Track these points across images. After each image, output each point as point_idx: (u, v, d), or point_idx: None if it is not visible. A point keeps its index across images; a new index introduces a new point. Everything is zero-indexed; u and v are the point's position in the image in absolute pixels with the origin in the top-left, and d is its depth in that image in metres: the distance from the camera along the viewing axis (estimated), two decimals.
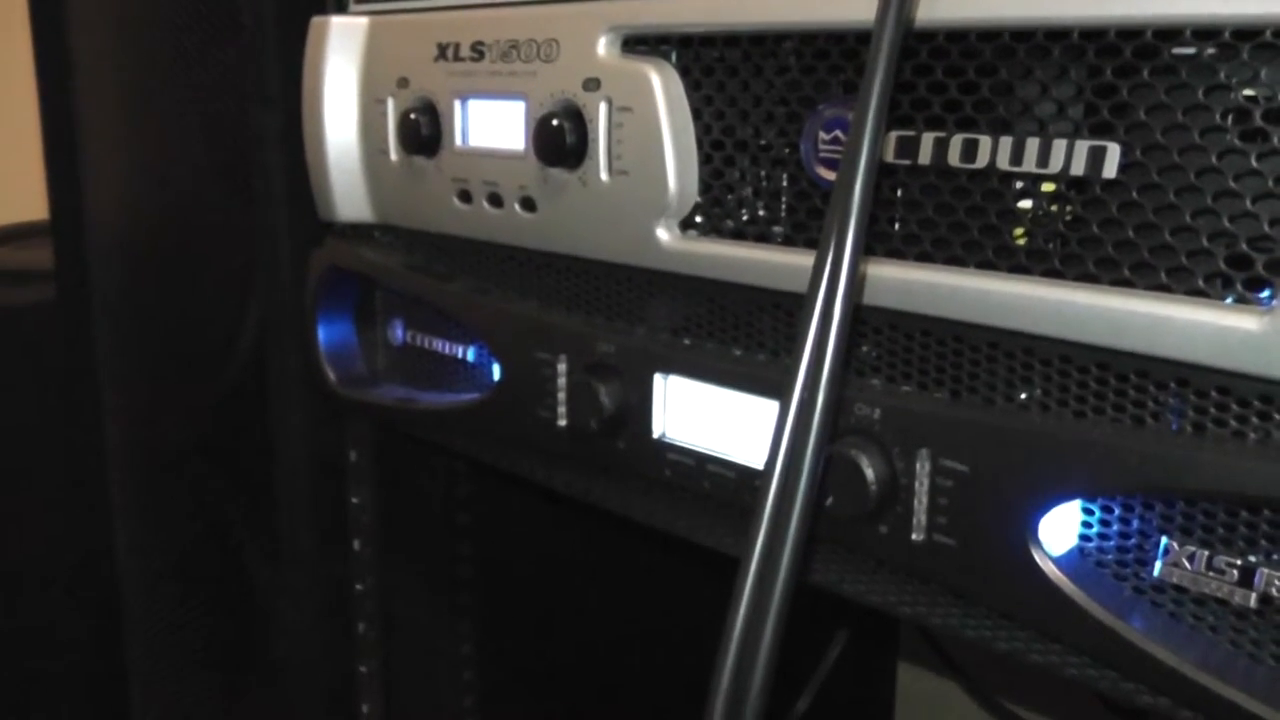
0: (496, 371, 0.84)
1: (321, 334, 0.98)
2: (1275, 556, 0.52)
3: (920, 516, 0.61)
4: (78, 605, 1.32)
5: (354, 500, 1.13)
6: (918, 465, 0.60)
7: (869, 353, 0.64)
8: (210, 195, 1.13)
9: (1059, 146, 0.54)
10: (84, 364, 1.26)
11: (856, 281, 0.54)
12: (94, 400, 1.27)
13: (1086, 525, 0.57)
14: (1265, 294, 0.50)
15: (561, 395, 0.78)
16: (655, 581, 1.29)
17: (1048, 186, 0.57)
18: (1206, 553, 0.53)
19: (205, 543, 1.22)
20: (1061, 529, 0.57)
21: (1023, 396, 0.58)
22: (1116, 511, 0.56)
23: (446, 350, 0.93)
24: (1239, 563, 0.53)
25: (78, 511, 1.29)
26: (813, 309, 0.54)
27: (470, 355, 0.91)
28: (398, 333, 0.97)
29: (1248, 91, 0.50)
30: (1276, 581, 0.52)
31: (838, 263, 0.54)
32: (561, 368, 0.78)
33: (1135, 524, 0.56)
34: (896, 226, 0.62)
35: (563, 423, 0.78)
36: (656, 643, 1.31)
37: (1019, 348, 0.58)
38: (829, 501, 0.63)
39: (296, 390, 1.09)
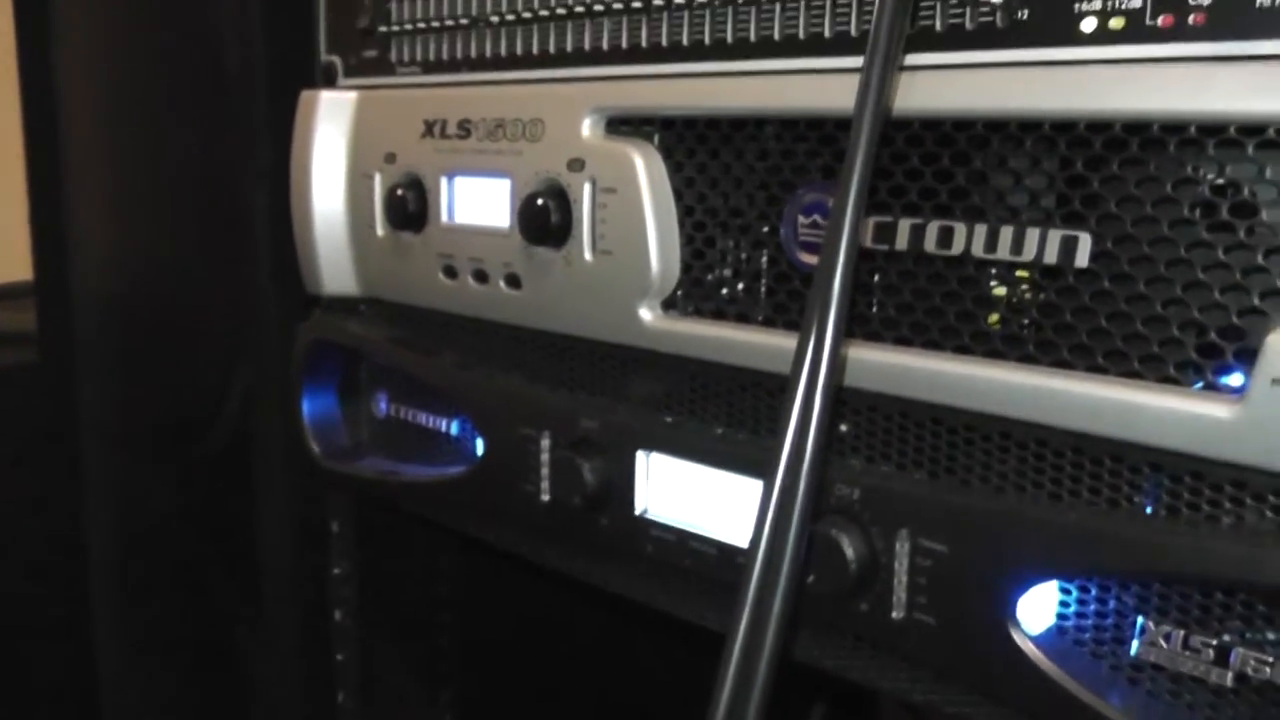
0: (480, 446, 0.85)
1: (306, 405, 0.99)
2: (1250, 636, 0.53)
3: (900, 595, 0.62)
4: (54, 675, 1.31)
5: (335, 571, 1.13)
6: (897, 545, 0.61)
7: (849, 433, 0.65)
8: (197, 263, 1.13)
9: (1032, 235, 0.55)
10: (65, 428, 1.26)
11: (838, 366, 0.55)
12: (75, 465, 1.27)
13: (1064, 604, 0.58)
14: (1236, 380, 0.51)
15: (545, 471, 0.79)
16: (636, 654, 1.29)
17: (1022, 273, 0.58)
18: (1183, 632, 0.54)
19: (186, 611, 1.22)
20: (1040, 608, 0.58)
21: (999, 479, 0.59)
22: (1093, 591, 0.57)
23: (430, 423, 0.93)
24: (1215, 642, 0.53)
25: (56, 577, 1.28)
26: (795, 392, 0.55)
27: (454, 429, 0.91)
28: (382, 405, 0.98)
29: (1213, 178, 0.51)
30: (1252, 661, 0.52)
31: (819, 349, 0.54)
32: (545, 443, 0.78)
33: (1112, 603, 0.57)
34: (875, 310, 0.63)
35: (546, 498, 0.79)
36: (637, 717, 1.30)
37: (995, 430, 0.59)
38: (810, 579, 0.63)
39: (280, 460, 1.09)
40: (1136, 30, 0.51)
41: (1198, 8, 0.50)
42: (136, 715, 1.26)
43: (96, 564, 1.28)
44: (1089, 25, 0.53)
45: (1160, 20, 0.51)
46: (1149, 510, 0.54)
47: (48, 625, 1.31)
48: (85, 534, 1.28)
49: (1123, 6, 0.52)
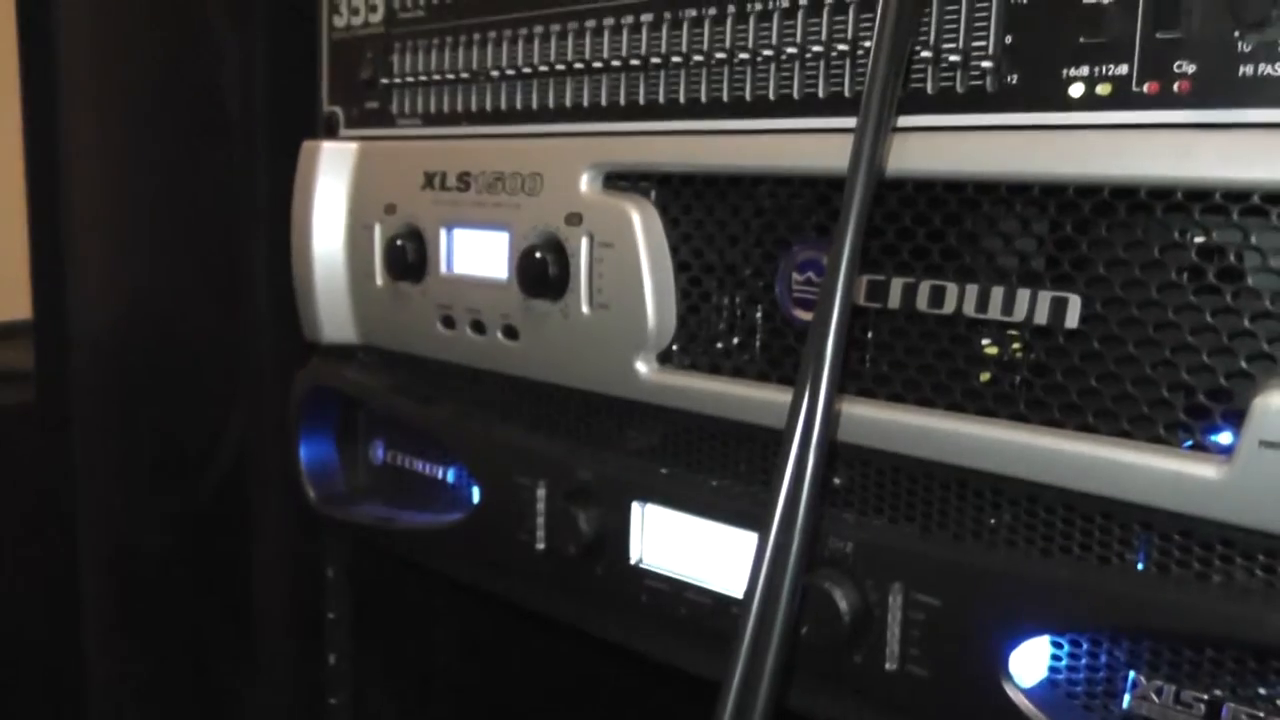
0: (476, 494, 0.86)
1: (303, 451, 0.99)
2: (1241, 691, 0.53)
3: (893, 647, 0.62)
4: (46, 715, 1.31)
5: (330, 615, 1.13)
6: (890, 598, 0.62)
7: (842, 486, 0.66)
8: (196, 307, 1.14)
9: (1023, 296, 0.57)
10: (61, 468, 1.26)
11: (832, 422, 0.56)
12: (70, 505, 1.27)
13: (1056, 658, 0.59)
14: (1225, 438, 0.51)
15: (540, 520, 0.79)
16: (633, 701, 1.29)
17: (1013, 333, 0.59)
18: (1174, 687, 0.55)
19: (179, 653, 1.22)
20: (1032, 661, 0.59)
21: (991, 534, 0.60)
22: (1085, 645, 0.58)
23: (427, 471, 0.94)
24: (1206, 697, 0.54)
25: (49, 617, 1.28)
26: (790, 447, 0.56)
27: (450, 476, 0.92)
28: (378, 452, 0.99)
29: (1200, 242, 0.52)
30: (1244, 716, 0.53)
31: (813, 406, 0.55)
32: (541, 493, 0.79)
33: (1104, 658, 0.57)
34: (868, 366, 0.64)
35: (541, 546, 0.80)
36: None
37: (987, 487, 0.59)
38: (804, 630, 0.64)
39: (276, 503, 1.10)
40: (1123, 97, 0.53)
41: (1182, 75, 0.51)
42: None
43: (90, 604, 1.28)
44: (1077, 91, 0.54)
45: (1146, 87, 0.52)
46: (1140, 567, 0.55)
47: (40, 665, 1.31)
48: (80, 573, 1.28)
49: (1110, 73, 0.53)
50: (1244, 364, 0.50)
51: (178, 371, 1.17)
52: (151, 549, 1.22)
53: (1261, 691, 0.53)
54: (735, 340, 0.71)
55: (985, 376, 0.60)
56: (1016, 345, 0.59)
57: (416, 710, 1.19)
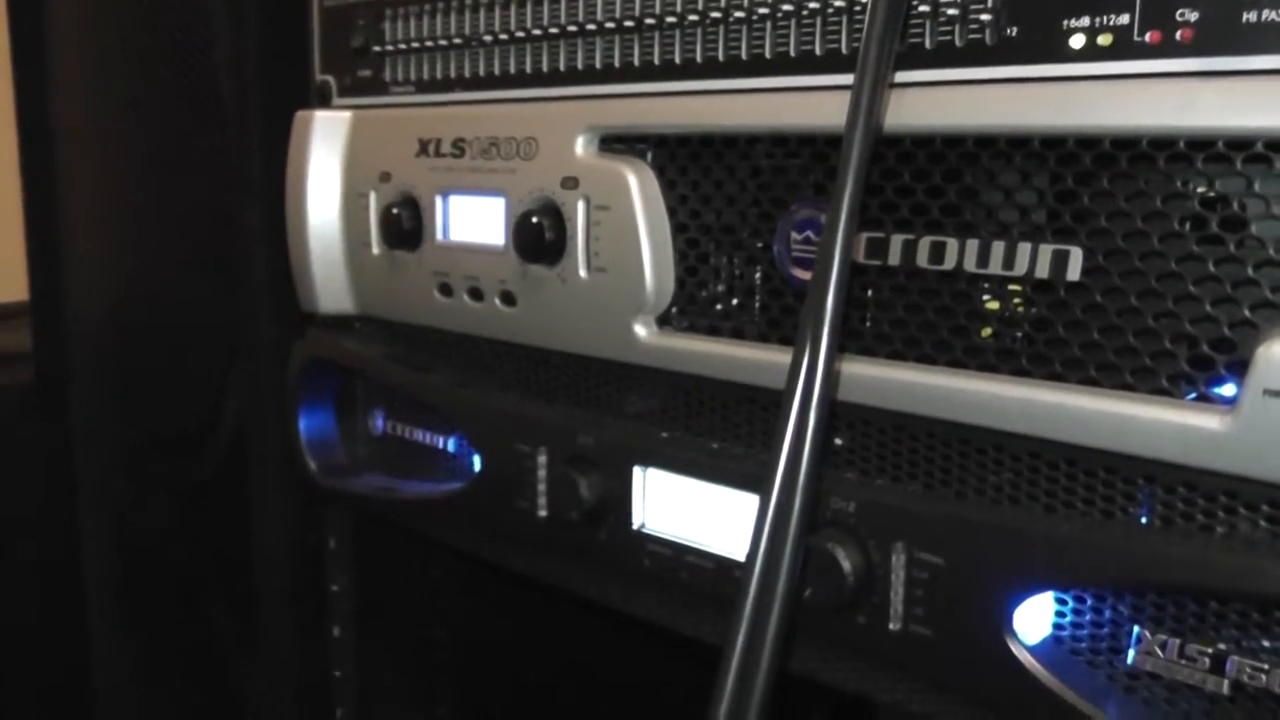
0: (477, 462, 0.85)
1: (303, 423, 0.99)
2: (1246, 644, 0.53)
3: (897, 607, 0.62)
4: (51, 693, 1.31)
5: (333, 587, 1.13)
6: (893, 557, 0.62)
7: (843, 446, 0.66)
8: (192, 281, 1.14)
9: (1024, 250, 0.56)
10: (61, 447, 1.26)
11: (831, 382, 0.56)
12: (70, 484, 1.27)
13: (1060, 615, 0.59)
14: (1229, 390, 0.51)
15: (542, 487, 0.79)
16: (636, 669, 1.29)
17: (1014, 287, 0.58)
18: (1178, 641, 0.55)
19: (183, 629, 1.22)
20: (1036, 618, 0.59)
21: (994, 490, 0.60)
22: (1089, 601, 0.58)
23: (427, 440, 0.94)
24: (1210, 650, 0.54)
25: (52, 596, 1.29)
26: (790, 408, 0.55)
27: (451, 445, 0.92)
28: (378, 422, 0.98)
29: (1202, 192, 0.52)
30: (1248, 669, 0.53)
31: (813, 364, 0.55)
32: (542, 459, 0.79)
33: (1108, 613, 0.57)
34: (868, 325, 0.64)
35: (543, 513, 0.79)
36: None
37: (990, 443, 0.59)
38: (807, 592, 0.64)
39: (276, 477, 1.10)
40: (1124, 46, 0.52)
41: (1185, 24, 0.50)
42: None
43: (93, 582, 1.28)
44: (1077, 42, 0.54)
45: (1148, 36, 0.51)
46: (1144, 521, 0.55)
47: (44, 644, 1.31)
48: (81, 553, 1.28)
49: (1110, 23, 0.52)
50: (1248, 313, 0.50)
51: (175, 348, 1.17)
52: (152, 526, 1.22)
53: (1266, 644, 0.53)
54: (734, 302, 0.71)
55: (986, 332, 0.59)
56: (1018, 300, 0.58)
57: (421, 682, 1.19)
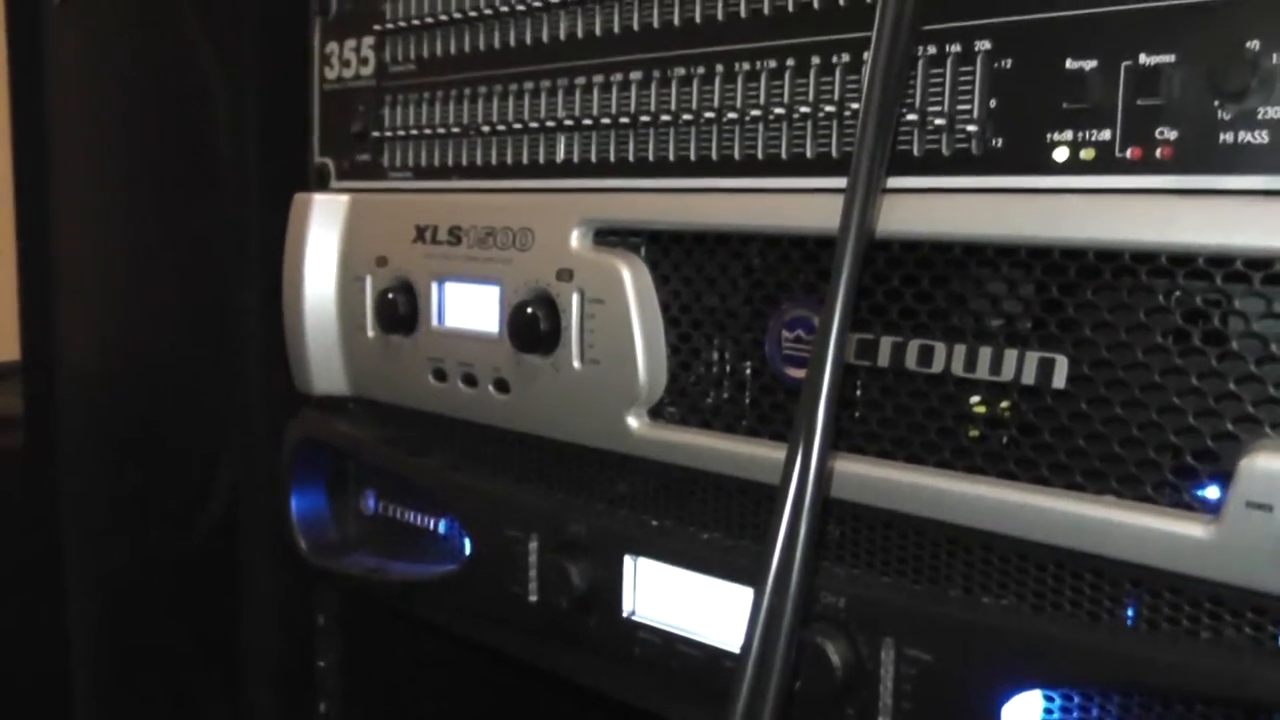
0: (468, 546, 0.86)
1: (294, 502, 0.99)
2: None
3: (886, 701, 0.63)
4: None
5: (320, 663, 1.13)
6: (882, 653, 0.62)
7: (833, 540, 0.66)
8: (186, 353, 1.14)
9: (1010, 357, 0.57)
10: (48, 514, 1.26)
11: (825, 478, 0.57)
12: (57, 551, 1.26)
13: (1048, 712, 0.59)
14: (1213, 493, 0.52)
15: (532, 573, 0.79)
16: None
17: (1001, 392, 0.59)
18: None
19: (169, 703, 1.22)
20: (1025, 714, 0.59)
21: (982, 589, 0.61)
22: (1077, 699, 0.58)
23: (418, 522, 0.94)
24: None
25: (38, 664, 1.28)
26: (784, 504, 0.56)
27: (442, 527, 0.92)
28: (370, 503, 0.99)
29: (1184, 306, 0.53)
30: None
31: (807, 462, 0.56)
32: (533, 545, 0.79)
33: (1095, 711, 0.58)
34: (858, 422, 0.65)
35: (533, 599, 0.80)
36: None
37: (978, 543, 0.60)
38: (798, 685, 0.64)
39: (266, 551, 1.10)
40: (1106, 161, 0.54)
41: (1164, 141, 0.52)
42: None
43: (77, 648, 1.28)
44: (1061, 155, 0.55)
45: (1129, 153, 0.53)
46: (1130, 624, 0.56)
47: (29, 708, 1.30)
48: (66, 621, 1.28)
49: (1093, 138, 0.54)
50: (1229, 425, 0.51)
51: (168, 418, 1.17)
52: (140, 596, 1.22)
53: None
54: (726, 396, 0.72)
55: (974, 434, 0.60)
56: (1005, 404, 0.60)
57: None
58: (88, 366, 1.23)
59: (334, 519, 1.01)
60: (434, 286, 0.85)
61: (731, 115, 0.68)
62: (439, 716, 1.19)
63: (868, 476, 0.63)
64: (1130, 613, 0.56)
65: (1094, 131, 0.54)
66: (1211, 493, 0.53)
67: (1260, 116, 0.49)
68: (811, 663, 0.64)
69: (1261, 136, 0.49)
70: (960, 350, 0.59)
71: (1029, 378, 0.57)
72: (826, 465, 0.56)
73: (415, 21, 0.86)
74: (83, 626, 1.27)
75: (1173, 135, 0.52)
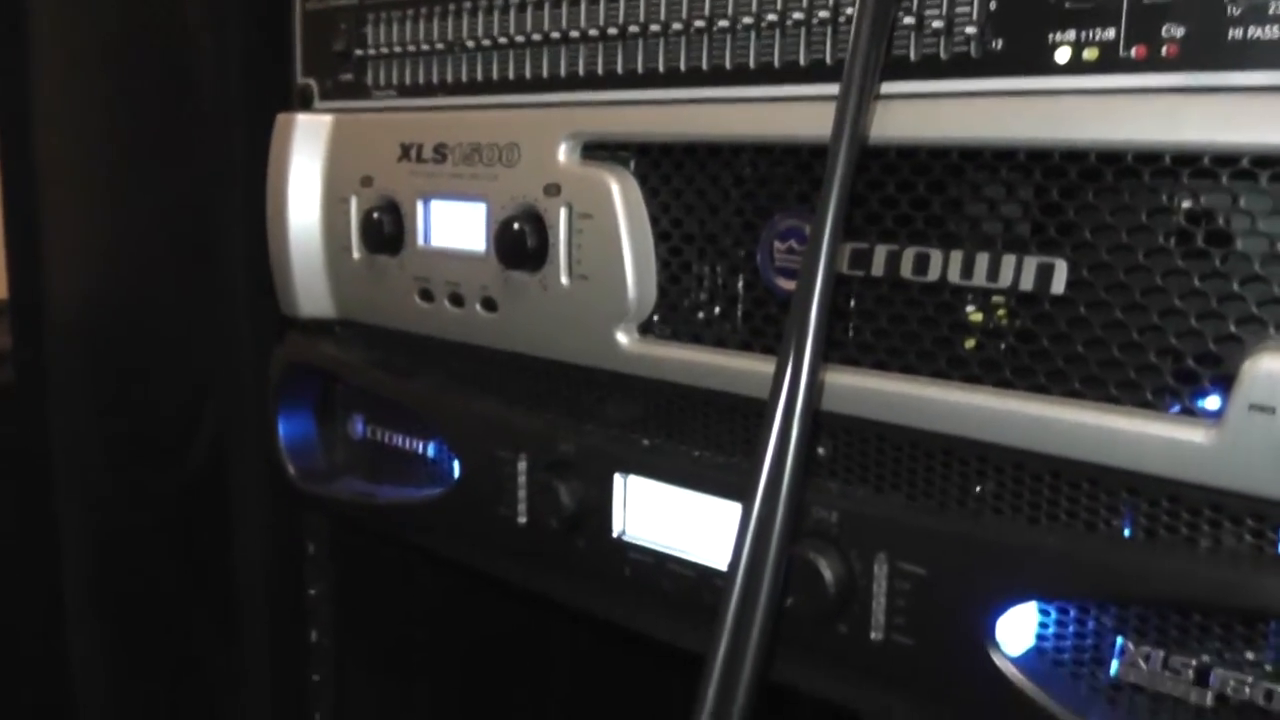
0: (457, 468, 0.85)
1: (282, 428, 0.98)
2: (1229, 657, 0.53)
3: (879, 617, 0.62)
4: (31, 697, 1.30)
5: (311, 591, 1.12)
6: (875, 567, 0.61)
7: (825, 456, 0.65)
8: (173, 286, 1.13)
9: (1008, 262, 0.56)
10: (39, 449, 1.25)
11: (816, 390, 0.56)
12: (48, 488, 1.26)
13: (1043, 625, 0.59)
14: (1213, 403, 0.51)
15: (521, 493, 0.79)
16: (615, 674, 1.29)
17: (997, 300, 0.58)
18: (1162, 653, 0.55)
19: (161, 631, 1.21)
20: (1019, 629, 0.59)
21: (977, 501, 0.60)
22: (1072, 612, 0.58)
23: (407, 445, 0.93)
24: (1194, 663, 0.54)
25: (32, 601, 1.27)
26: (774, 417, 0.55)
27: (430, 450, 0.91)
28: (358, 427, 0.98)
29: (1189, 210, 0.52)
30: (1231, 681, 0.53)
31: (797, 373, 0.55)
32: (522, 466, 0.78)
33: (1091, 624, 0.57)
34: (851, 334, 0.63)
35: (522, 520, 0.79)
36: None
37: (973, 454, 0.59)
38: (789, 602, 0.63)
39: (256, 481, 1.09)
40: (1110, 61, 0.52)
41: (1170, 39, 0.50)
42: None
43: (70, 584, 1.27)
44: (1063, 55, 0.54)
45: (1133, 51, 0.51)
46: (1127, 534, 0.55)
47: (21, 647, 1.30)
48: (60, 555, 1.27)
49: (1096, 37, 0.52)
50: (1233, 328, 0.50)
51: (156, 350, 1.16)
52: (131, 528, 1.21)
53: (1249, 656, 0.53)
54: (717, 310, 0.71)
55: (970, 343, 0.59)
56: (1002, 312, 0.58)
57: (400, 686, 1.19)
58: (76, 302, 1.22)
59: (322, 444, 1.00)
60: (420, 205, 0.83)
61: (723, 23, 0.66)
62: (430, 644, 1.19)
63: (861, 389, 0.62)
64: (1127, 523, 0.55)
65: (1097, 30, 0.52)
66: (1212, 403, 0.52)
67: (1271, 11, 0.48)
68: (803, 579, 0.63)
69: (1272, 31, 0.48)
70: (957, 257, 0.58)
71: (1027, 283, 0.55)
72: (817, 376, 0.55)
73: None
74: (75, 559, 1.27)
75: (1179, 32, 0.50)
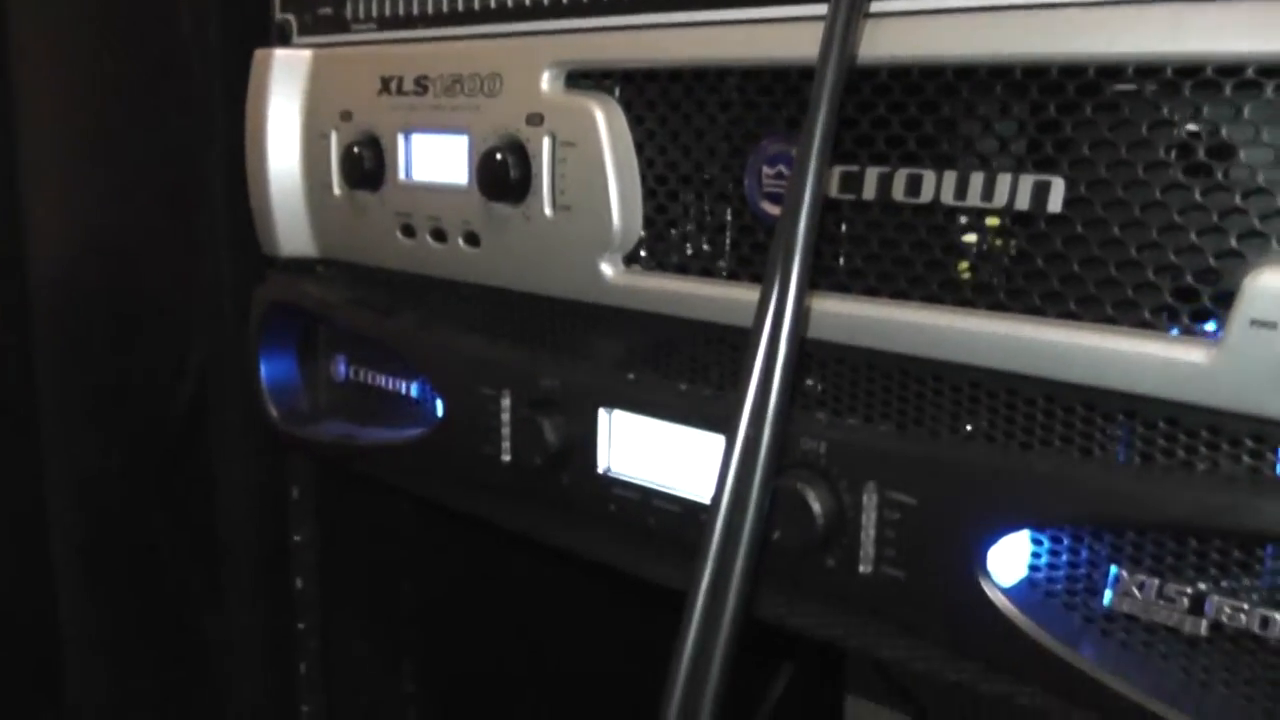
0: (440, 407, 0.84)
1: (264, 370, 0.97)
2: (1225, 584, 0.52)
3: (868, 549, 0.61)
4: (17, 649, 1.29)
5: (295, 538, 1.11)
6: (864, 498, 0.60)
7: (814, 386, 0.64)
8: (154, 231, 1.12)
9: (1003, 181, 0.55)
10: (23, 399, 1.24)
11: (802, 317, 0.54)
12: (33, 437, 1.24)
13: (1036, 555, 0.58)
14: (1212, 326, 0.50)
15: (505, 431, 0.77)
16: (603, 618, 1.28)
17: (992, 221, 0.57)
18: (1157, 581, 0.54)
19: (147, 581, 1.21)
20: (1011, 559, 0.58)
21: (968, 429, 0.59)
22: (1065, 541, 0.57)
23: (389, 386, 0.92)
24: (1189, 591, 0.53)
25: (16, 554, 1.26)
26: (758, 344, 0.54)
27: (414, 391, 0.90)
28: (340, 368, 0.96)
29: (1190, 127, 0.50)
30: (1227, 609, 0.52)
31: (783, 298, 0.54)
32: (505, 403, 0.77)
33: (1084, 553, 0.56)
34: (841, 261, 0.62)
35: (507, 458, 0.78)
36: (604, 679, 1.30)
37: (965, 380, 0.58)
38: (776, 535, 0.62)
39: (239, 427, 1.08)
40: None
41: None
42: (99, 689, 1.25)
43: (58, 538, 1.26)
44: None
45: None
46: (1122, 459, 0.54)
47: (10, 602, 1.29)
48: (45, 505, 1.26)
49: None
50: (1234, 243, 0.49)
51: (141, 297, 1.15)
52: (117, 478, 1.20)
53: (1246, 583, 0.52)
54: (704, 240, 0.69)
55: (964, 266, 0.58)
56: (996, 234, 0.57)
57: (386, 634, 1.18)
58: (57, 249, 1.21)
59: (305, 386, 0.98)
60: (400, 139, 0.82)
61: None
62: (414, 592, 1.18)
63: (851, 315, 0.60)
64: (1122, 447, 0.54)
65: None
66: (1211, 326, 0.50)
67: None
68: (790, 511, 0.62)
69: None
70: (951, 177, 0.56)
71: (1023, 202, 0.54)
72: (804, 301, 0.54)
73: None
74: (61, 512, 1.26)
75: None
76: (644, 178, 0.69)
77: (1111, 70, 0.51)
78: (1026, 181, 0.54)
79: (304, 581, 1.12)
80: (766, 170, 0.64)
